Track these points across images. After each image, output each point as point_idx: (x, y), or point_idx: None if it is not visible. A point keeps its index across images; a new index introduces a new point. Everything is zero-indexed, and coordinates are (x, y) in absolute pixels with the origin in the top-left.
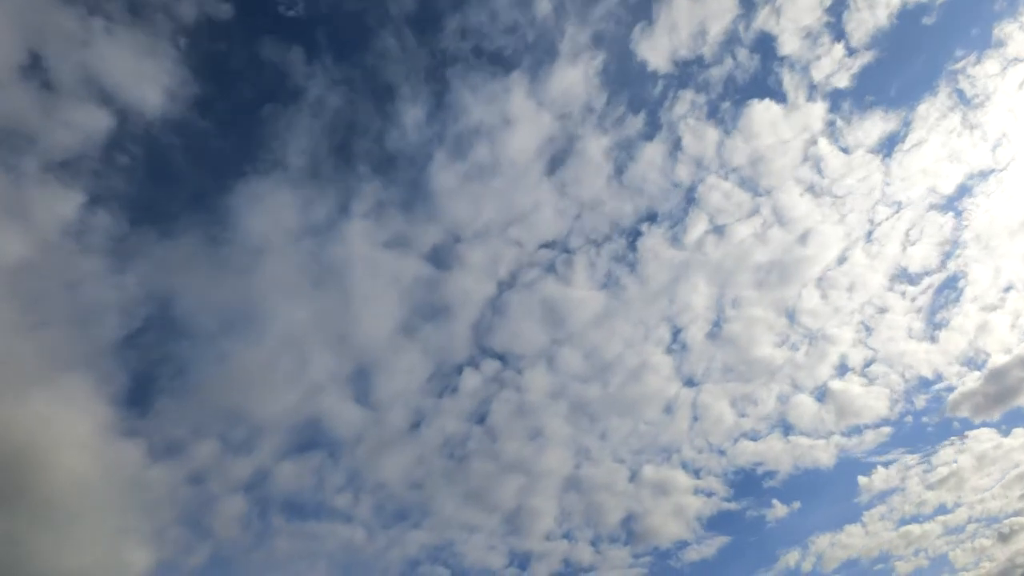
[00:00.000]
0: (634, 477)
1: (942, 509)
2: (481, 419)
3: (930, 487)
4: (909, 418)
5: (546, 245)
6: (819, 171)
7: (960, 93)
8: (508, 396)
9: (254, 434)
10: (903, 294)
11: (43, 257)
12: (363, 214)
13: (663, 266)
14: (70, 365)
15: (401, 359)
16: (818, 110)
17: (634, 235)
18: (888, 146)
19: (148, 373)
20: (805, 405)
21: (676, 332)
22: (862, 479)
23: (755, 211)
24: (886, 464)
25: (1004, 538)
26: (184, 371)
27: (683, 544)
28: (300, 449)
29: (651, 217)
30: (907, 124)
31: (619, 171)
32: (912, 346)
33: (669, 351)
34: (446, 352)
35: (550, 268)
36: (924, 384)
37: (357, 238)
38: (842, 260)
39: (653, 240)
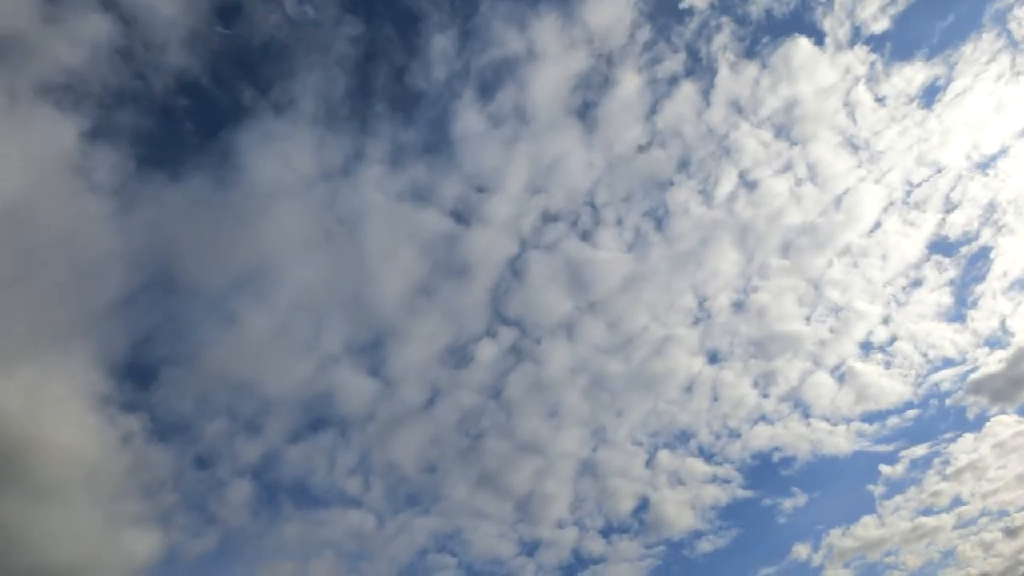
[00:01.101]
0: (650, 462)
1: (957, 501)
2: (497, 394)
3: (946, 478)
4: (933, 402)
5: (573, 198)
6: (856, 122)
7: (1009, 34)
8: (526, 369)
9: (263, 410)
10: (938, 265)
11: (38, 195)
12: (380, 160)
13: (693, 225)
14: (64, 329)
15: (417, 326)
16: (858, 55)
17: (665, 186)
18: (929, 95)
19: (150, 339)
20: (825, 386)
21: (702, 301)
22: (879, 468)
23: (788, 166)
24: (903, 452)
25: (1011, 533)
26: (189, 337)
27: (697, 534)
28: (311, 427)
29: (683, 166)
30: (951, 68)
31: (652, 113)
32: (938, 324)
33: (694, 323)
34: (463, 320)
35: (575, 224)
36: (947, 364)
37: (373, 187)
38: (877, 226)
39: (684, 194)
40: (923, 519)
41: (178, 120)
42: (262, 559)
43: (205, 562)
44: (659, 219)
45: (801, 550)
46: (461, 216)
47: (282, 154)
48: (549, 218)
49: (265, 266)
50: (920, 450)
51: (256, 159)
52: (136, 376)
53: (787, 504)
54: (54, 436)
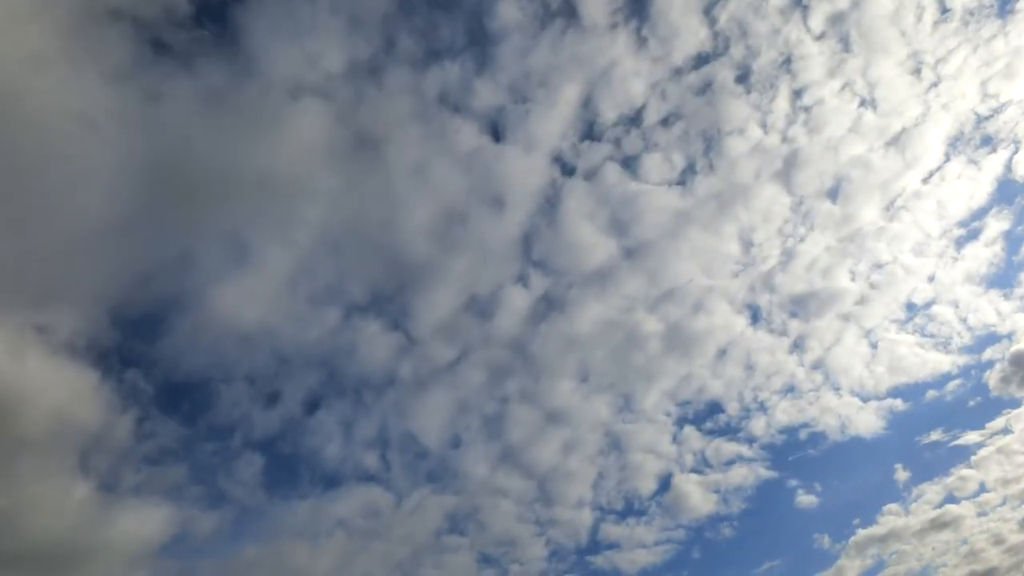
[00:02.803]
0: (676, 437)
1: (982, 488)
2: (524, 350)
3: (973, 465)
4: (973, 373)
5: (620, 115)
6: (921, 38)
7: None
8: (556, 323)
9: (277, 371)
10: (998, 215)
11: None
12: (410, 59)
13: (746, 152)
14: (52, 262)
15: (444, 267)
16: None
17: (721, 102)
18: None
19: (153, 279)
20: (859, 355)
21: (747, 247)
22: (907, 449)
23: (847, 84)
24: (934, 433)
25: None
26: (197, 276)
27: (716, 519)
28: (327, 393)
29: (742, 79)
30: None
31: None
32: (985, 289)
33: (737, 273)
34: (493, 262)
35: (619, 146)
36: (991, 339)
37: (402, 91)
38: (936, 166)
39: (739, 113)
40: (948, 507)
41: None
42: (274, 537)
43: (213, 541)
44: (710, 144)
45: (821, 538)
46: (496, 130)
47: (303, 47)
48: (591, 137)
49: (283, 185)
50: (951, 430)
51: (274, 51)
52: (139, 324)
53: (809, 488)
54: (42, 396)
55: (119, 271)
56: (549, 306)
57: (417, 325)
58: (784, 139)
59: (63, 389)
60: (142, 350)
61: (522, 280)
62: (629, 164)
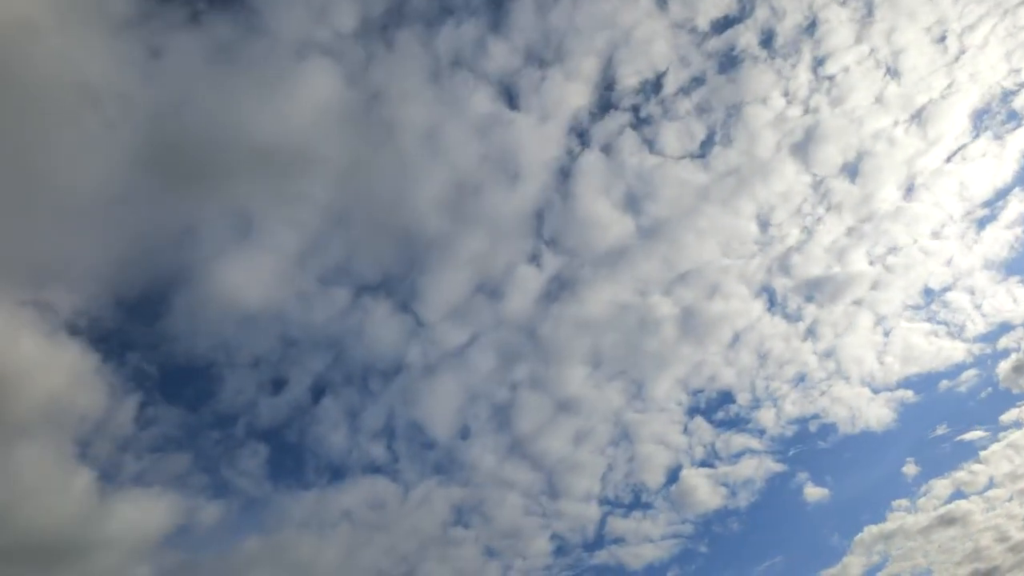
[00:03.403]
0: (686, 428)
1: (991, 483)
2: (535, 334)
3: (982, 460)
4: (988, 363)
5: (640, 81)
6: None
7: None
8: (568, 306)
9: (282, 355)
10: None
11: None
12: (422, 16)
13: (768, 124)
14: (49, 237)
15: (454, 245)
16: None
17: (743, 69)
18: None
19: (156, 254)
20: (871, 343)
21: (764, 227)
22: (916, 443)
23: (872, 51)
24: (944, 426)
25: None
26: (201, 251)
27: (724, 513)
28: (334, 380)
29: (765, 43)
30: None
31: None
32: (1003, 276)
33: (754, 254)
34: (504, 240)
35: (638, 114)
36: (1006, 328)
37: (413, 52)
38: (960, 148)
39: (761, 81)
40: (956, 504)
41: None
42: (278, 529)
43: (217, 532)
44: (731, 114)
45: (828, 533)
46: (511, 95)
47: (311, 3)
48: (609, 106)
49: (289, 154)
50: (962, 424)
51: (282, 6)
52: (140, 304)
53: (818, 481)
54: (39, 379)
55: (120, 247)
56: (561, 287)
57: (426, 307)
58: (806, 110)
59: (62, 371)
60: (144, 331)
61: (534, 259)
62: (647, 134)
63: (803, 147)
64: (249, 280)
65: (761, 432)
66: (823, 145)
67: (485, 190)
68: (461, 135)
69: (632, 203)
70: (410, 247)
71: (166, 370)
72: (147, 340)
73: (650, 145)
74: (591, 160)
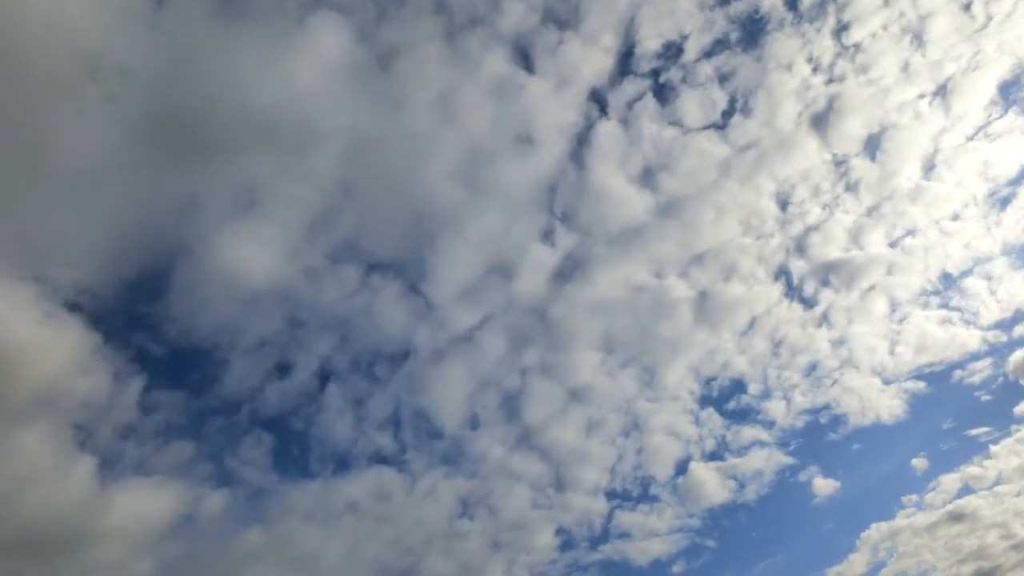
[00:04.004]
0: (697, 419)
1: (999, 479)
2: (545, 316)
3: (992, 455)
4: (1004, 351)
5: (661, 44)
6: None
7: None
8: (582, 288)
9: (290, 337)
10: None
11: None
12: None
13: (793, 91)
14: (48, 208)
15: (466, 219)
16: None
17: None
18: None
19: (157, 230)
20: (883, 333)
21: (784, 204)
22: (926, 437)
23: (899, 15)
24: (955, 419)
25: None
26: (202, 225)
27: (731, 508)
28: (341, 366)
29: (791, 4)
30: None
31: None
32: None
33: (772, 233)
34: (516, 216)
35: (657, 80)
36: (1020, 317)
37: (429, 5)
38: (985, 124)
39: (785, 46)
40: (963, 500)
41: None
42: (283, 519)
43: (220, 523)
44: (753, 82)
45: (835, 529)
46: (527, 58)
47: None
48: (629, 71)
49: (296, 118)
50: (972, 418)
51: None
52: (142, 283)
53: (828, 474)
54: (37, 360)
55: (120, 223)
56: (574, 266)
57: (436, 288)
58: (830, 78)
59: (60, 352)
60: (146, 311)
61: (547, 237)
62: (667, 102)
63: (825, 119)
64: (254, 257)
65: (771, 424)
66: (845, 117)
67: (498, 159)
68: (474, 99)
69: (649, 177)
70: (420, 222)
71: (169, 353)
72: (149, 320)
73: (669, 115)
74: (608, 129)
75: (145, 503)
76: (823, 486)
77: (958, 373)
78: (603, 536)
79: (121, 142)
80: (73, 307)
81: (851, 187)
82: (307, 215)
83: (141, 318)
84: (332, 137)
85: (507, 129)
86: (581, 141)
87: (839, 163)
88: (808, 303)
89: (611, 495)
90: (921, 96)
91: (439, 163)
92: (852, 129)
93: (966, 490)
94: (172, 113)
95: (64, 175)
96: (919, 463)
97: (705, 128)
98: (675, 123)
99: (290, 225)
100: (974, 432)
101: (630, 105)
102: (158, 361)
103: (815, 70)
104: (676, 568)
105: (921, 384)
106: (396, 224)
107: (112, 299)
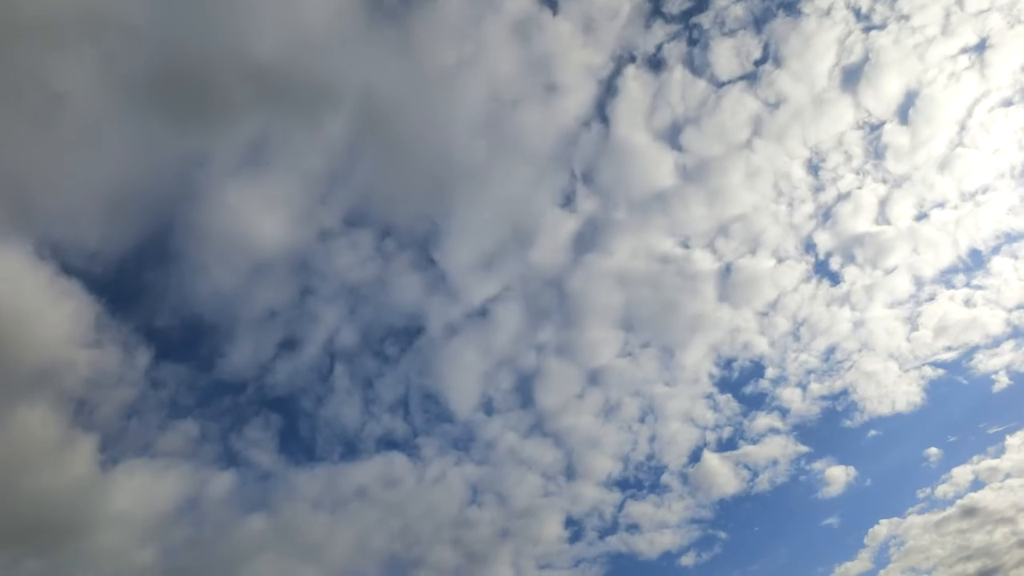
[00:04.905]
0: (713, 405)
1: (1010, 473)
2: (563, 290)
3: (1006, 448)
4: None
5: None
6: None
7: None
8: (601, 259)
9: (294, 315)
10: None
11: None
12: None
13: (825, 46)
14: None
15: (484, 176)
16: None
17: None
18: None
19: (160, 191)
20: (905, 313)
21: (816, 169)
22: (941, 428)
23: None
24: (970, 408)
25: None
26: (205, 191)
27: (740, 499)
28: (349, 346)
29: None
30: None
31: None
32: None
33: (803, 200)
34: (536, 169)
35: (686, 17)
36: None
37: None
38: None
39: None
40: (973, 495)
41: None
42: (289, 505)
43: (225, 508)
44: (789, 27)
45: (844, 523)
46: None
47: None
48: (658, 15)
49: (305, 70)
50: (989, 408)
51: None
52: (146, 249)
53: (841, 461)
54: (37, 331)
55: (124, 185)
56: (595, 232)
57: (451, 255)
58: (869, 26)
59: (60, 323)
60: (150, 279)
61: (567, 201)
62: (697, 48)
63: (860, 73)
64: (262, 221)
65: (786, 411)
66: (882, 72)
67: (520, 108)
68: (495, 41)
69: (675, 134)
70: (437, 182)
71: (173, 325)
72: (153, 288)
73: (700, 63)
74: (635, 76)
75: (148, 486)
76: (836, 476)
77: (978, 358)
78: (613, 526)
79: (123, 100)
80: (74, 273)
81: (881, 153)
82: (317, 176)
83: (145, 286)
84: (344, 90)
85: (530, 75)
86: (608, 89)
87: (872, 127)
88: (833, 279)
89: (623, 484)
90: (963, 51)
91: (458, 113)
92: (887, 87)
93: (978, 484)
94: (175, 68)
95: (65, 135)
96: (933, 453)
97: (735, 80)
98: (705, 74)
99: (299, 186)
100: (989, 422)
101: (659, 52)
102: (162, 333)
103: (856, 16)
104: (686, 559)
105: (940, 371)
106: (411, 183)
107: (114, 266)
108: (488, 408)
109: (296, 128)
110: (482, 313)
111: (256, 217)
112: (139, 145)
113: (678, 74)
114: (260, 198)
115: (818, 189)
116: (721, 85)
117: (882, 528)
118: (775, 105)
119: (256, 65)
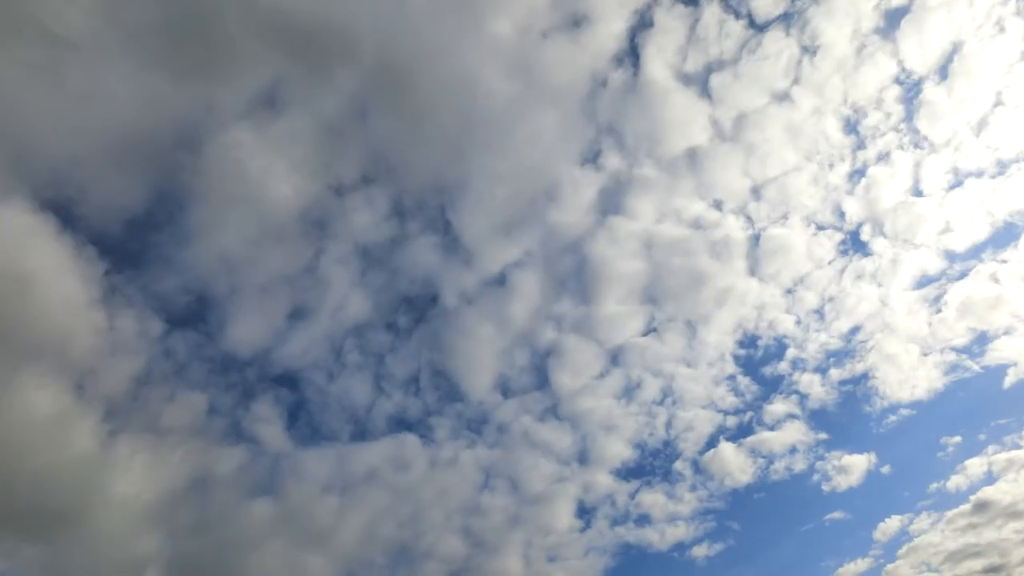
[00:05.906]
0: (736, 388)
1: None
2: (585, 260)
3: (1021, 440)
4: None
5: None
6: None
7: None
8: (626, 219)
9: (305, 284)
10: None
11: None
12: None
13: None
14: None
15: (504, 134)
16: None
17: None
18: None
19: (163, 165)
20: (931, 294)
21: (853, 128)
22: (961, 419)
23: None
24: (990, 397)
25: None
26: (211, 156)
27: (751, 490)
28: (361, 322)
29: None
30: None
31: None
32: None
33: (841, 158)
34: (559, 124)
35: None
36: None
37: None
38: None
39: None
40: (985, 489)
41: None
42: (298, 487)
43: (231, 490)
44: None
45: (854, 518)
46: None
47: None
48: None
49: (318, 17)
50: (1006, 399)
51: None
52: (153, 212)
53: (857, 450)
54: (38, 298)
55: (130, 135)
56: (620, 191)
57: (467, 217)
58: None
59: (63, 285)
60: (156, 240)
61: (592, 157)
62: None
63: (898, 23)
64: (270, 176)
65: (804, 396)
66: (928, 16)
67: (547, 44)
68: None
69: (706, 82)
70: (455, 135)
71: (179, 291)
72: (160, 251)
73: (736, 3)
74: (668, 9)
75: (153, 464)
76: (852, 465)
77: (1000, 343)
78: (624, 515)
79: (129, 47)
80: (77, 229)
81: (915, 115)
82: (331, 129)
83: (151, 246)
84: (360, 35)
85: (561, 2)
86: (644, 18)
87: (911, 86)
88: (864, 251)
89: (636, 471)
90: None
91: (481, 50)
92: (929, 38)
93: (990, 478)
94: (183, 12)
95: (67, 84)
96: (948, 443)
97: (773, 21)
98: (742, 13)
99: (312, 140)
100: (1007, 413)
101: None
102: (167, 299)
103: None
104: (699, 549)
105: (962, 357)
106: (429, 136)
107: (119, 224)
108: (503, 389)
109: (309, 77)
110: (499, 281)
111: (266, 172)
112: (145, 95)
113: (714, 12)
114: (270, 151)
115: (857, 148)
116: (760, 29)
117: (893, 522)
118: (813, 51)
119: (267, 10)
